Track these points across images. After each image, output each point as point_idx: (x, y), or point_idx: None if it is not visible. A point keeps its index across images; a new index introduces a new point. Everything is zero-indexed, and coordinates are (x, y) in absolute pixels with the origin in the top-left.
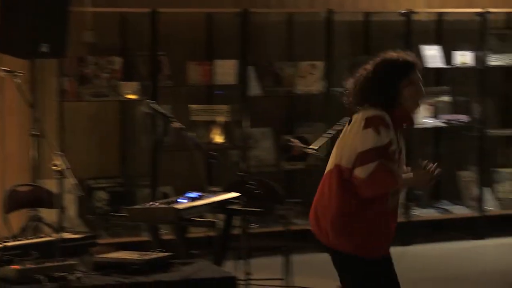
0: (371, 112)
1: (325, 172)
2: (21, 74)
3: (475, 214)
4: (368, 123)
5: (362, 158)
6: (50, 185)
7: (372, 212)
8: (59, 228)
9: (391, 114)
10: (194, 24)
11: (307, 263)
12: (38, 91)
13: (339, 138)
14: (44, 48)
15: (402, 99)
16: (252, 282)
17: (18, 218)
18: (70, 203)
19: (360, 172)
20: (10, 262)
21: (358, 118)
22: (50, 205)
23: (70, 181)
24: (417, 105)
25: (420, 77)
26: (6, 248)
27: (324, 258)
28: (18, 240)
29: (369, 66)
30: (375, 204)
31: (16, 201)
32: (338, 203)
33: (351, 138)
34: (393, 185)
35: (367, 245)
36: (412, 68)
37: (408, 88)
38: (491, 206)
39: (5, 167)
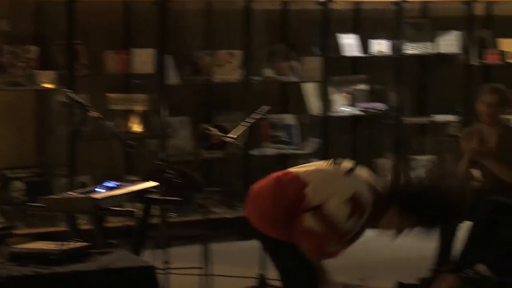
0: (366, 194)
1: (287, 170)
2: None
3: None
4: (355, 202)
5: (321, 214)
6: None
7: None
8: None
9: (377, 210)
10: (112, 13)
11: (226, 252)
12: None
13: (325, 165)
14: None
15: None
16: (171, 271)
17: None
18: None
19: (306, 220)
20: None
21: (360, 180)
22: None
23: None
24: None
25: (412, 225)
26: None
27: (243, 246)
28: None
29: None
30: None
31: None
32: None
33: (337, 186)
34: (315, 257)
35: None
36: (410, 208)
37: (391, 214)
38: None
39: None
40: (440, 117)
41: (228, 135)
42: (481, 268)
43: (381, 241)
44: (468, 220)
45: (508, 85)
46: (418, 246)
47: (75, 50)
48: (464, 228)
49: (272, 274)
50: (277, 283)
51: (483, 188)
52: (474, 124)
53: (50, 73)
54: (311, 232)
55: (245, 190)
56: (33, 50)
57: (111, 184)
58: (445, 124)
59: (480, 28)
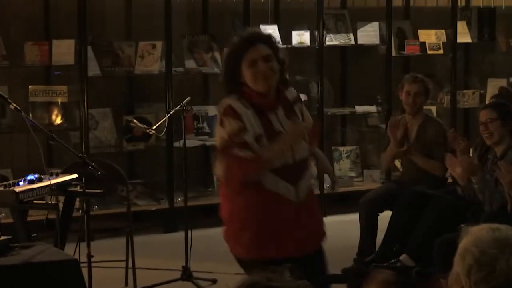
0: (220, 104)
1: None
2: None
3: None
4: (219, 117)
5: (218, 156)
6: None
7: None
8: None
9: (247, 95)
10: (31, 3)
11: (149, 244)
12: None
13: None
14: None
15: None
16: (95, 264)
17: None
18: None
19: (219, 170)
20: None
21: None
22: None
23: None
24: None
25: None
26: None
27: (167, 238)
28: None
29: None
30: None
31: None
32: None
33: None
34: (252, 167)
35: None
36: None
37: (247, 69)
38: (329, 184)
39: None
40: (361, 108)
41: (151, 127)
42: (402, 257)
43: None
44: (390, 210)
45: (428, 76)
46: (342, 236)
47: None
48: (386, 218)
49: (196, 266)
50: (200, 275)
51: (403, 179)
52: (401, 116)
53: None
54: (225, 172)
55: (168, 182)
56: None
57: (32, 177)
58: (366, 115)
59: (399, 19)
